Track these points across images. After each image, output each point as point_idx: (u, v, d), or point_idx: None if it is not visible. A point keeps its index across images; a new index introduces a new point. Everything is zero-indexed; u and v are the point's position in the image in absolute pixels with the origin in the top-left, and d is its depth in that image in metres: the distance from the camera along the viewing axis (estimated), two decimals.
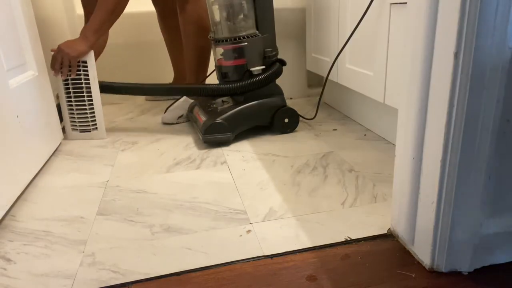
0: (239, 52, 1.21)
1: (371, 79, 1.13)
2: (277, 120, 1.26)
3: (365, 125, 1.32)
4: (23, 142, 0.94)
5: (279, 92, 1.28)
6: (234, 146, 1.19)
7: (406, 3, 0.71)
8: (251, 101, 1.23)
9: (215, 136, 1.18)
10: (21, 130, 0.94)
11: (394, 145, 1.14)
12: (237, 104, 1.23)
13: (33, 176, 1.00)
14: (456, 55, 0.51)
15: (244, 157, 1.11)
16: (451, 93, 0.53)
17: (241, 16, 1.20)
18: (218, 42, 1.23)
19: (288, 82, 1.71)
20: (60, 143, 1.26)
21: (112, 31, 1.97)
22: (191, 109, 1.38)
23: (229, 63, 1.23)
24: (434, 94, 0.56)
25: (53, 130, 1.19)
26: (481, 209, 0.58)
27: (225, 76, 1.25)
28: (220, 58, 1.24)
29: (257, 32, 1.23)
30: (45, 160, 1.10)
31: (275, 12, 1.28)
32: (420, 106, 0.58)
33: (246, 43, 1.21)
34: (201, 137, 1.19)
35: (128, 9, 1.97)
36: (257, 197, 0.88)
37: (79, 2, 1.93)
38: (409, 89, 0.60)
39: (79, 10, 1.93)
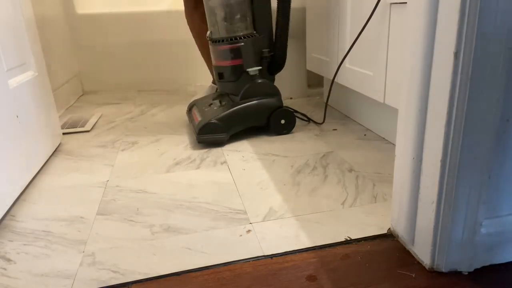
0: (236, 52, 1.20)
1: (371, 79, 1.13)
2: (273, 121, 1.25)
3: (365, 125, 1.32)
4: (23, 142, 0.94)
5: (276, 92, 1.26)
6: (234, 146, 1.19)
7: (406, 3, 0.71)
8: (248, 101, 1.23)
9: (209, 136, 1.17)
10: (21, 130, 0.94)
11: (394, 145, 1.14)
12: (234, 104, 1.22)
13: (33, 176, 1.00)
14: (456, 55, 0.51)
15: (244, 157, 1.11)
16: (451, 93, 0.53)
17: (238, 16, 1.20)
18: (215, 42, 1.22)
19: (288, 82, 1.71)
20: (60, 143, 1.26)
21: (113, 31, 1.97)
22: (189, 109, 1.38)
23: (226, 63, 1.23)
24: (434, 94, 0.56)
25: (53, 130, 1.19)
26: (481, 209, 0.58)
27: (221, 76, 1.25)
28: (217, 58, 1.24)
29: (254, 32, 1.23)
30: (45, 160, 1.10)
31: (275, 11, 1.27)
32: (420, 106, 0.58)
33: (242, 43, 1.20)
34: (195, 137, 1.19)
35: (128, 9, 1.98)
36: (257, 197, 0.88)
37: (79, 2, 1.94)
38: (409, 89, 0.60)
39: (79, 10, 1.93)
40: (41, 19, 1.52)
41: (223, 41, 1.20)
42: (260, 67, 1.24)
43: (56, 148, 1.22)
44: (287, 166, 1.03)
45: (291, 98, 1.73)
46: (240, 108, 1.21)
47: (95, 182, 0.99)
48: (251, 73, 1.22)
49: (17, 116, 0.92)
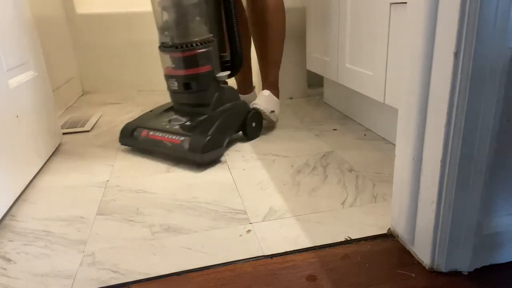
0: (206, 57, 1.10)
1: (371, 79, 1.13)
2: (248, 125, 1.21)
3: (365, 125, 1.32)
4: (22, 142, 0.94)
5: (238, 95, 1.23)
6: (234, 146, 1.19)
7: (406, 3, 0.71)
8: (225, 109, 1.14)
9: (213, 152, 1.04)
10: (21, 130, 0.94)
11: (394, 145, 1.14)
12: (216, 115, 1.11)
13: (33, 176, 1.00)
14: (456, 55, 0.51)
15: (244, 157, 1.11)
16: (451, 93, 0.53)
17: (198, 18, 1.09)
18: (178, 48, 1.07)
19: (288, 82, 1.71)
20: (60, 143, 1.26)
21: (113, 31, 1.97)
22: (131, 133, 1.16)
23: (194, 70, 1.09)
24: (434, 94, 0.56)
25: (53, 130, 1.19)
26: (481, 209, 0.58)
27: (188, 86, 1.11)
28: (180, 67, 1.10)
29: (211, 35, 1.13)
30: (45, 160, 1.10)
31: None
32: (420, 106, 0.58)
33: (211, 47, 1.11)
34: (196, 159, 1.03)
35: (128, 9, 1.98)
36: (257, 197, 0.88)
37: (79, 2, 1.94)
38: (409, 89, 0.60)
39: (79, 10, 1.93)
40: (41, 19, 1.52)
41: (191, 45, 1.07)
42: (229, 72, 1.17)
43: (56, 148, 1.22)
44: (287, 166, 1.03)
45: (291, 98, 1.73)
46: (225, 117, 1.11)
47: (95, 182, 0.99)
48: (221, 79, 1.14)
49: (17, 116, 0.92)
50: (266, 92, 1.34)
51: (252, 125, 1.23)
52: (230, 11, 1.15)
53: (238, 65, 1.21)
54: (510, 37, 0.51)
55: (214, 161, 1.07)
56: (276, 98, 1.36)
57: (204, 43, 1.09)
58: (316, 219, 0.78)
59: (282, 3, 1.32)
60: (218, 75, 1.14)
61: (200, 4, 1.09)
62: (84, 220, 0.81)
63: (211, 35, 1.13)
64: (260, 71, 1.41)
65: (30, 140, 0.99)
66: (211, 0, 1.11)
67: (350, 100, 1.42)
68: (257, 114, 1.24)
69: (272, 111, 1.29)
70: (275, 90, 1.38)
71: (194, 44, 1.08)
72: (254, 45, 1.40)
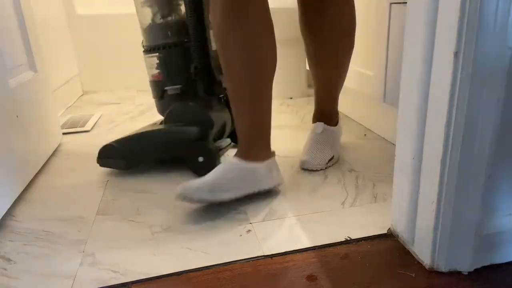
0: (157, 65, 1.01)
1: (371, 79, 1.13)
2: (188, 156, 0.98)
3: (365, 125, 1.32)
4: (22, 142, 0.94)
5: (204, 120, 1.00)
6: (234, 146, 1.19)
7: (406, 3, 0.71)
8: (163, 127, 1.03)
9: (106, 161, 1.01)
10: (21, 130, 0.94)
11: (394, 145, 1.14)
12: (148, 128, 1.06)
13: (33, 176, 1.00)
14: (456, 55, 0.51)
15: None
16: (451, 93, 0.53)
17: (161, 20, 1.00)
18: (144, 51, 1.04)
19: (288, 82, 1.71)
20: (60, 143, 1.26)
21: (118, 32, 1.97)
22: None
23: (149, 77, 1.06)
24: (434, 94, 0.56)
25: (53, 130, 1.19)
26: (481, 209, 0.58)
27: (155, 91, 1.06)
28: (147, 71, 1.07)
29: (185, 40, 0.99)
30: (45, 160, 1.10)
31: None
32: (420, 106, 0.58)
33: (161, 54, 0.99)
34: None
35: (128, 10, 1.97)
36: (257, 197, 0.88)
37: (79, 2, 1.94)
38: (409, 89, 0.60)
39: (79, 10, 1.93)
40: (41, 19, 1.52)
41: (149, 50, 1.02)
42: (179, 85, 1.00)
43: (56, 148, 1.22)
44: (287, 166, 1.03)
45: (291, 98, 1.73)
46: (146, 133, 1.00)
47: (95, 182, 0.99)
48: (170, 92, 1.00)
49: (17, 116, 0.92)
50: (319, 128, 1.03)
51: (197, 160, 0.97)
52: (196, 12, 0.96)
53: (206, 80, 1.01)
54: (510, 37, 0.51)
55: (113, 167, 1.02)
56: (332, 129, 1.04)
57: (157, 48, 1.00)
58: (316, 219, 0.78)
59: (354, 19, 0.97)
60: (166, 87, 1.00)
61: (157, 5, 0.98)
62: (84, 220, 0.81)
63: (181, 39, 0.99)
64: (315, 97, 1.06)
65: (30, 140, 0.99)
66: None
67: (350, 99, 1.42)
68: (206, 148, 0.97)
69: (331, 159, 1.00)
70: (332, 117, 1.06)
71: (149, 49, 1.02)
72: (309, 65, 1.05)
